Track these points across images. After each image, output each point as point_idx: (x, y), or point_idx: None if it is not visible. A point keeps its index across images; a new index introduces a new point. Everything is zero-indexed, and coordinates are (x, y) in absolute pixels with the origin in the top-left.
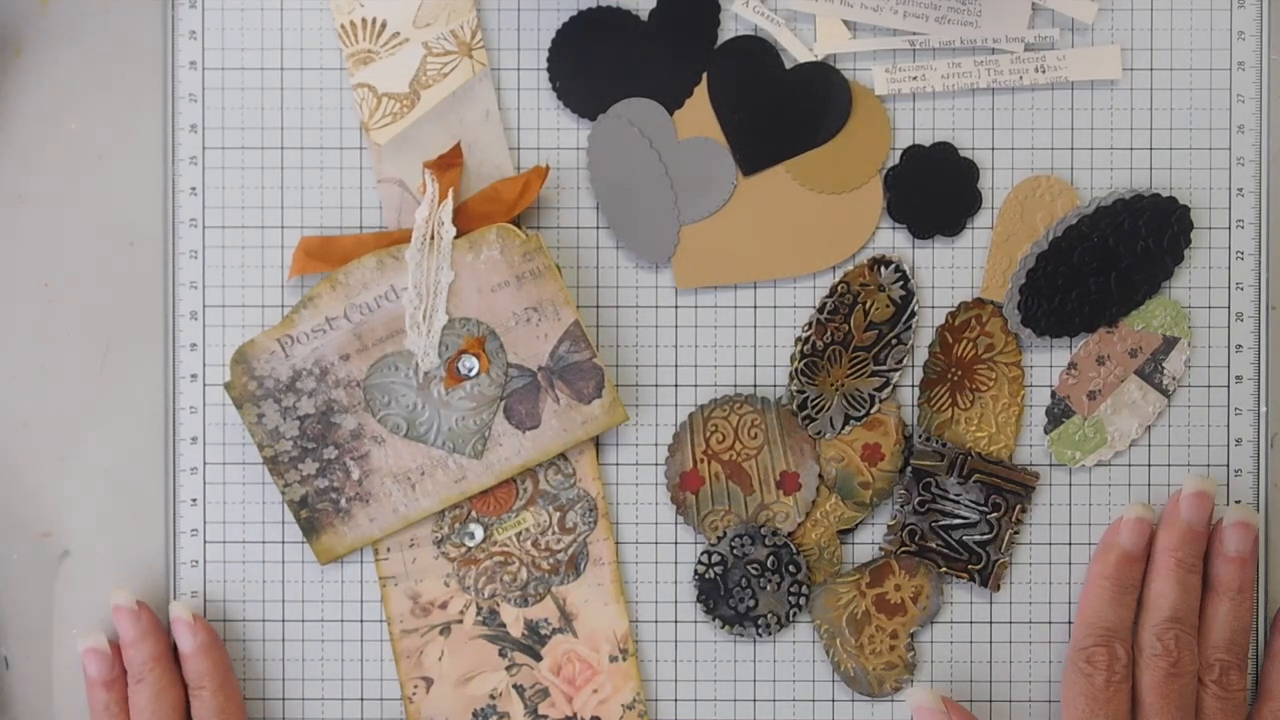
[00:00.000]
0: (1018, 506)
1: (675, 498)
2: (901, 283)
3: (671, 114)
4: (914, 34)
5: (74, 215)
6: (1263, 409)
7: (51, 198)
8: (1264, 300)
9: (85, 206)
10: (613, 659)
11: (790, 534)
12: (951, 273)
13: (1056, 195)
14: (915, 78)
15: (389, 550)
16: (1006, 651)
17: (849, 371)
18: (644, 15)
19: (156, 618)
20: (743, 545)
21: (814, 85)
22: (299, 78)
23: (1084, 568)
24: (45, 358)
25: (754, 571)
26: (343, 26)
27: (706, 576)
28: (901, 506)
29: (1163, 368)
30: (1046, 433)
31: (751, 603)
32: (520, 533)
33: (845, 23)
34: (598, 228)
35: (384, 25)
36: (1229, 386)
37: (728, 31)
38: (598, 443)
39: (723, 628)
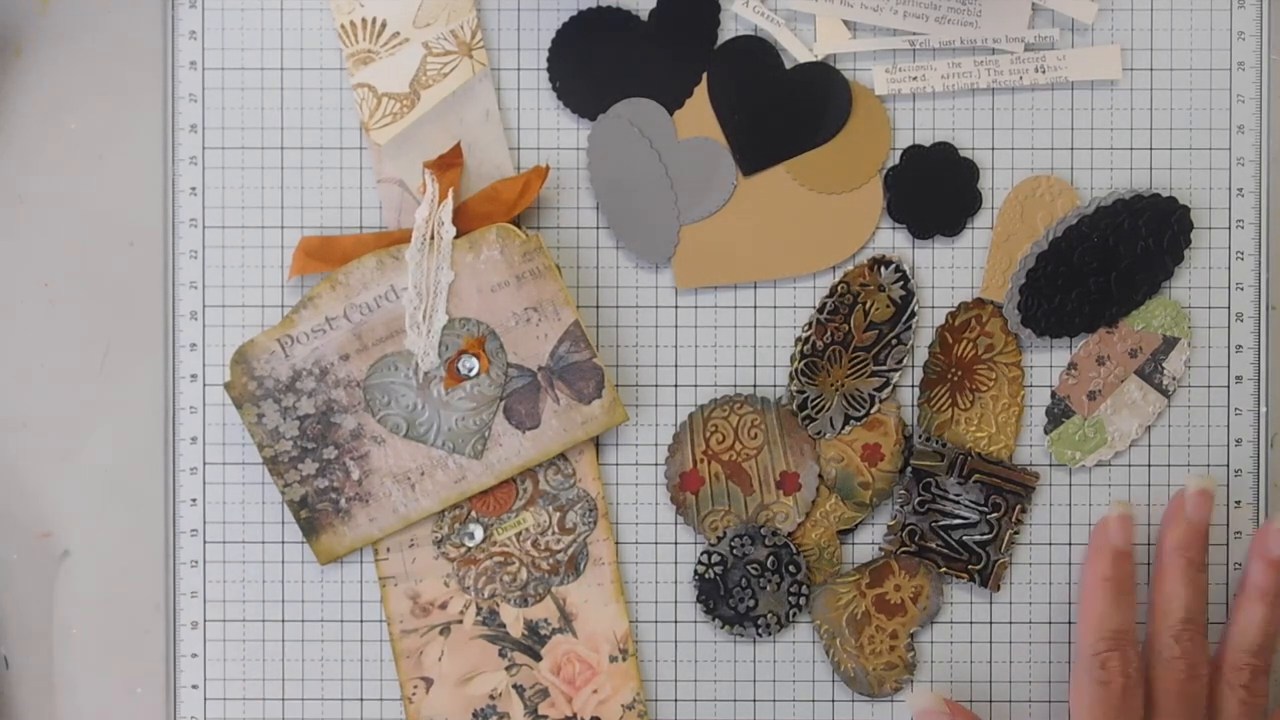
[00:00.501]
0: (1018, 507)
1: (675, 498)
2: (901, 283)
3: (671, 114)
4: (914, 34)
5: (74, 215)
6: (1263, 409)
7: (51, 198)
8: (1264, 300)
9: (85, 206)
10: (613, 659)
11: (790, 534)
12: (951, 273)
13: (1056, 195)
14: (915, 78)
15: (389, 550)
16: (1006, 651)
17: (849, 371)
18: (644, 15)
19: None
20: (742, 545)
21: (814, 85)
22: (299, 78)
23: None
24: (45, 358)
25: (754, 572)
26: (343, 26)
27: (706, 577)
28: (901, 506)
29: (1163, 368)
30: (1046, 433)
31: (751, 603)
32: (520, 533)
33: (845, 23)
34: (598, 228)
35: (384, 25)
36: (1229, 386)
37: (728, 31)
38: (598, 443)
39: (723, 628)
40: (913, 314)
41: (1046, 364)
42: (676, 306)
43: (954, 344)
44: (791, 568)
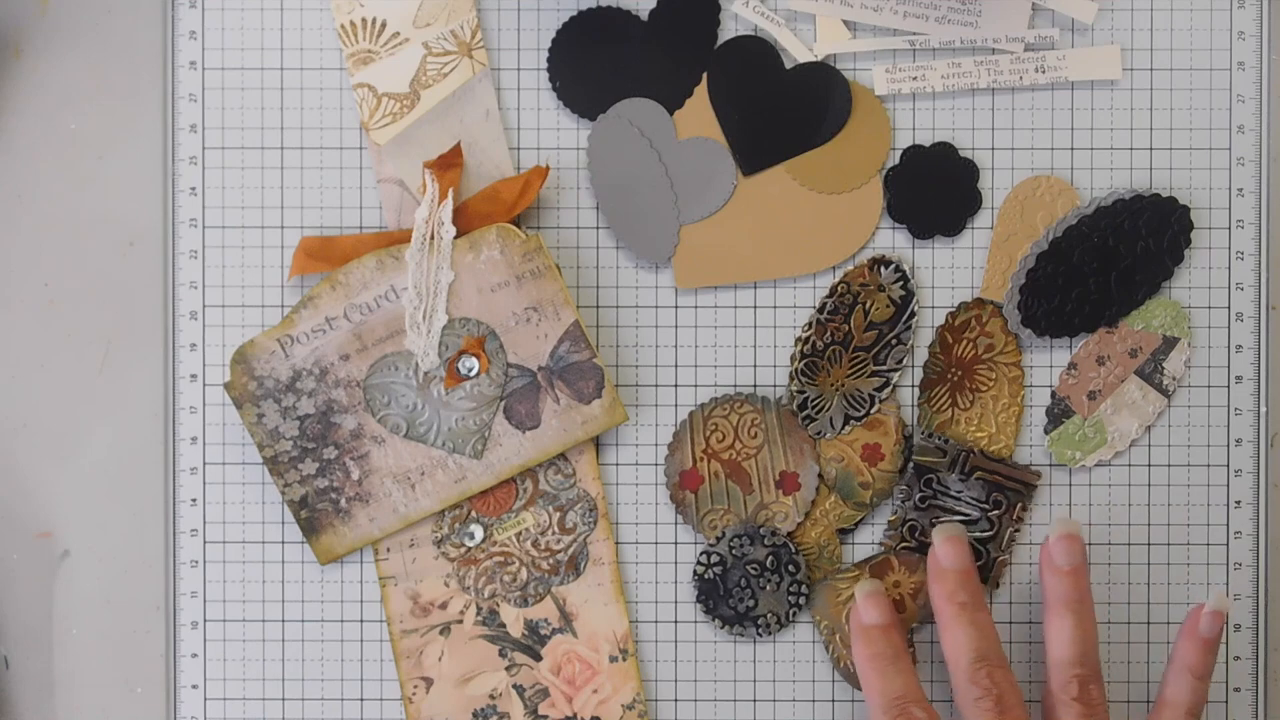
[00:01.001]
0: (1019, 505)
1: (674, 496)
2: (901, 283)
3: (671, 114)
4: (914, 34)
5: (74, 215)
6: (1263, 409)
7: (51, 198)
8: (1264, 300)
9: (85, 206)
10: (613, 659)
11: (789, 534)
12: (951, 273)
13: (1056, 195)
14: (915, 78)
15: (389, 550)
16: (1005, 650)
17: (849, 371)
18: (644, 15)
19: None
20: (742, 545)
21: (814, 85)
22: (299, 78)
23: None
24: (45, 358)
25: (753, 571)
26: (343, 26)
27: (706, 577)
28: (902, 502)
29: (1163, 368)
30: (1046, 433)
31: (751, 603)
32: (520, 533)
33: (845, 23)
34: (598, 228)
35: (384, 25)
36: (1229, 386)
37: (728, 31)
38: (598, 443)
39: (722, 628)
40: (913, 314)
41: (1046, 364)
42: (676, 306)
43: (954, 344)
44: (791, 567)
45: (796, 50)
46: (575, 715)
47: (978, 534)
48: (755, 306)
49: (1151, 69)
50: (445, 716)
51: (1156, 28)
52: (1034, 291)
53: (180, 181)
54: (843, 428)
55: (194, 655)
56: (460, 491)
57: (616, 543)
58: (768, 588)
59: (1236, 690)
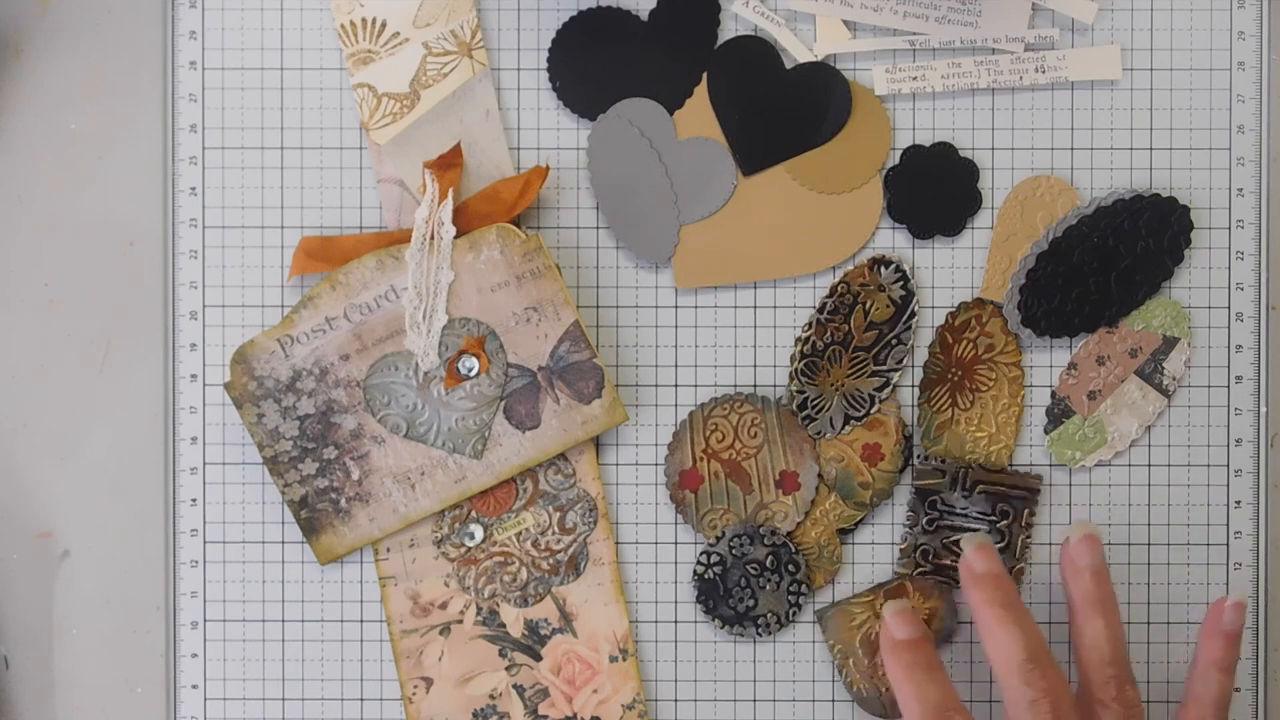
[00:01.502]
0: (1025, 511)
1: (674, 496)
2: (901, 283)
3: (671, 114)
4: (914, 34)
5: (74, 215)
6: (1263, 409)
7: (51, 198)
8: (1264, 300)
9: (85, 206)
10: (613, 659)
11: (789, 533)
12: (951, 273)
13: (1056, 195)
14: (915, 78)
15: (389, 550)
16: None
17: (849, 371)
18: (644, 15)
19: None
20: (742, 545)
21: (814, 85)
22: (299, 78)
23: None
24: (45, 358)
25: (753, 571)
26: (343, 26)
27: (706, 577)
28: (910, 528)
29: (1163, 368)
30: (1046, 433)
31: (751, 602)
32: (520, 533)
33: (845, 23)
34: (598, 228)
35: (384, 25)
36: (1229, 386)
37: (728, 31)
38: (598, 443)
39: (722, 628)
40: (913, 314)
41: (1046, 364)
42: (676, 306)
43: (954, 344)
44: (791, 567)
45: (796, 50)
46: (575, 715)
47: None
48: (755, 306)
49: (1151, 69)
50: (445, 716)
51: (1156, 28)
52: (1034, 291)
53: (180, 181)
54: (843, 428)
55: (194, 655)
56: (460, 491)
57: (616, 543)
58: (768, 587)
59: (1237, 690)
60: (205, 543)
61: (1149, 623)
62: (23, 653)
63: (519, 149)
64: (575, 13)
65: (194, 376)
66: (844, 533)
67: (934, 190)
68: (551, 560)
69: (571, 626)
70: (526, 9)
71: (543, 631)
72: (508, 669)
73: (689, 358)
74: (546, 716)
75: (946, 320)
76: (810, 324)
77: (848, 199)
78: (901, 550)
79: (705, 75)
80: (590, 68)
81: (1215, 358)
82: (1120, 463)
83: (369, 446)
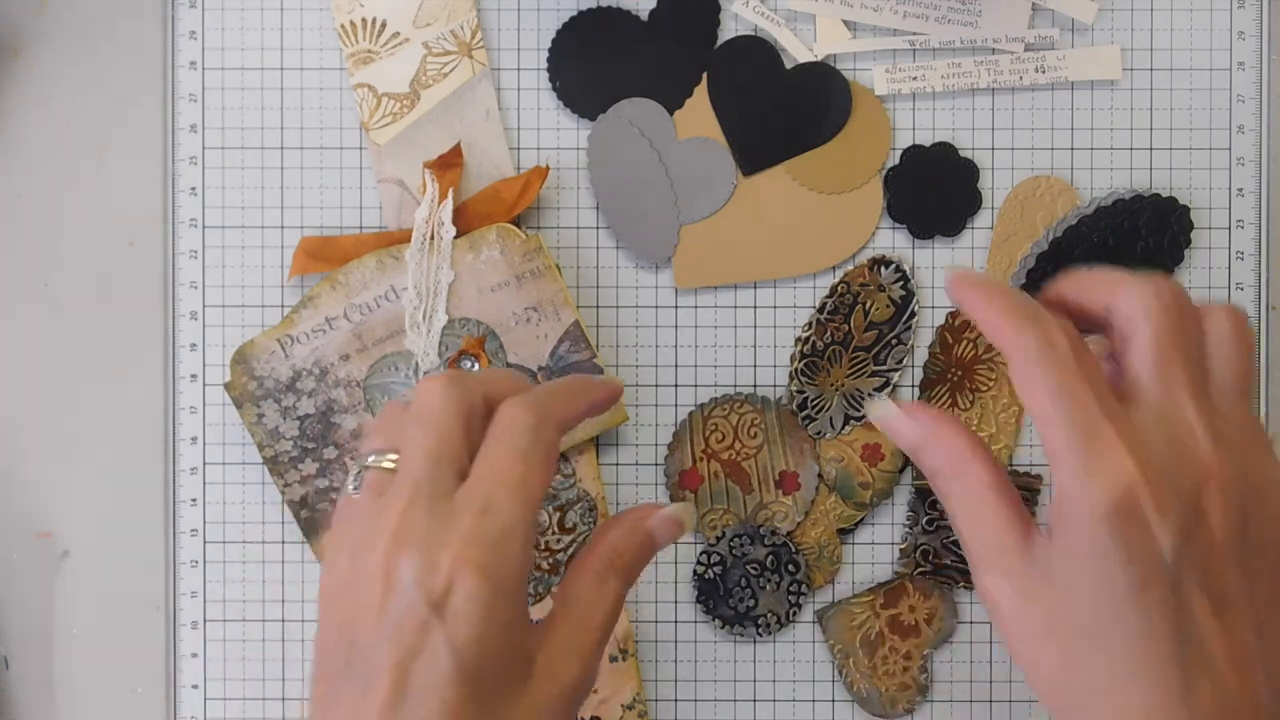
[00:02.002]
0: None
1: (674, 496)
2: (902, 283)
3: (671, 114)
4: (914, 34)
5: (74, 215)
6: (1263, 409)
7: (51, 198)
8: (1264, 300)
9: (85, 206)
10: (613, 659)
11: (789, 533)
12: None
13: (1056, 195)
14: (915, 78)
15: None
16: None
17: (849, 372)
18: (644, 15)
19: None
20: (742, 545)
21: (814, 85)
22: (299, 78)
23: None
24: (45, 358)
25: (753, 571)
26: (343, 26)
27: (706, 577)
28: (911, 528)
29: None
30: None
31: (751, 603)
32: None
33: (845, 23)
34: (598, 228)
35: (384, 25)
36: None
37: (728, 31)
38: (598, 443)
39: (722, 628)
40: (913, 314)
41: None
42: (676, 306)
43: (954, 344)
44: (791, 567)
45: (796, 50)
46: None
47: None
48: (755, 306)
49: (1151, 69)
50: None
51: (1156, 28)
52: (1034, 291)
53: (180, 181)
54: (843, 428)
55: (194, 655)
56: None
57: None
58: (768, 587)
59: None
60: (205, 543)
61: None
62: (23, 653)
63: (519, 149)
64: (575, 13)
65: (194, 376)
66: (844, 533)
67: (934, 190)
68: (551, 560)
69: None
70: (526, 9)
71: None
72: None
73: (689, 358)
74: None
75: (946, 320)
76: (810, 324)
77: (848, 199)
78: (901, 550)
79: (705, 75)
80: (590, 68)
81: None
82: None
83: None
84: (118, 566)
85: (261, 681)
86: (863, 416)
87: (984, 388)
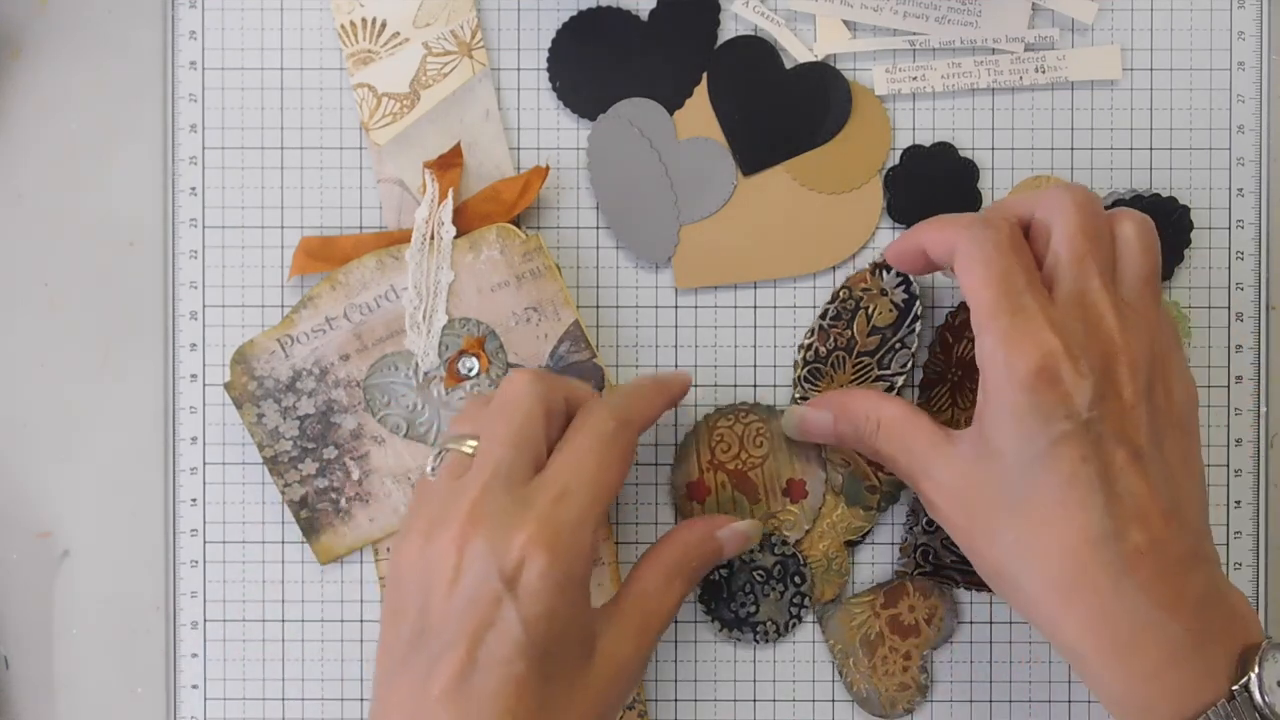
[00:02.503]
0: None
1: (682, 508)
2: (904, 287)
3: (671, 114)
4: (914, 34)
5: (74, 215)
6: (1263, 409)
7: (51, 198)
8: (1264, 300)
9: (85, 206)
10: None
11: (797, 542)
12: None
13: None
14: (915, 78)
15: (389, 550)
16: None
17: (853, 377)
18: (644, 15)
19: None
20: (750, 550)
21: (814, 85)
22: (299, 78)
23: None
24: (45, 358)
25: (759, 578)
26: (343, 26)
27: (712, 578)
28: (910, 528)
29: None
30: None
31: (752, 608)
32: None
33: (845, 23)
34: (598, 228)
35: (384, 25)
36: (1229, 386)
37: (728, 31)
38: None
39: (720, 630)
40: (916, 317)
41: None
42: (676, 306)
43: (954, 344)
44: (796, 579)
45: (796, 50)
46: None
47: None
48: (755, 307)
49: (1151, 69)
50: None
51: (1156, 28)
52: None
53: (180, 181)
54: None
55: (194, 655)
56: None
57: (616, 543)
58: (771, 595)
59: None
60: (205, 543)
61: None
62: (23, 653)
63: (519, 149)
64: (575, 13)
65: (194, 376)
66: (851, 545)
67: (934, 190)
68: None
69: None
70: (526, 9)
71: None
72: None
73: (689, 358)
74: None
75: (946, 320)
76: (813, 331)
77: (848, 199)
78: (901, 550)
79: (705, 75)
80: (590, 68)
81: (1215, 358)
82: None
83: (369, 446)
84: (118, 566)
85: (261, 681)
86: None
87: None
